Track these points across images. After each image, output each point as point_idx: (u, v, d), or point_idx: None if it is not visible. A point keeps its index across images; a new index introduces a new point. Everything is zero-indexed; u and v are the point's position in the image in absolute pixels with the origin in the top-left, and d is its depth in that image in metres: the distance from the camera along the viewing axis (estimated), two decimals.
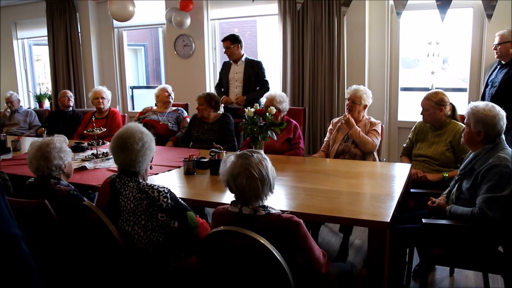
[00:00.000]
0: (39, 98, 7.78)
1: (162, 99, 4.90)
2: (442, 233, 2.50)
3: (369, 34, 5.23)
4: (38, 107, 7.66)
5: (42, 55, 8.61)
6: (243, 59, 4.88)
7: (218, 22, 6.35)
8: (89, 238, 2.17)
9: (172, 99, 4.97)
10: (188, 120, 4.66)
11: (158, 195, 2.07)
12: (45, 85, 8.62)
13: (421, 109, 3.41)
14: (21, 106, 6.23)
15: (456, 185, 2.64)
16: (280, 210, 1.95)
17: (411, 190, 3.06)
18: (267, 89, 4.78)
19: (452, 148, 3.28)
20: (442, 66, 6.26)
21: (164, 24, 6.37)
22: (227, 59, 4.98)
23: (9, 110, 6.05)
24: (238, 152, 1.96)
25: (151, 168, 3.07)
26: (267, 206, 1.92)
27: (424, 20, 5.35)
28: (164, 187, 2.13)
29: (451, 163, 3.28)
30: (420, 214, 2.74)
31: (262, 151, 1.97)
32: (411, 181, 3.18)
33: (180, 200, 2.17)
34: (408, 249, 2.91)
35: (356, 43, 5.23)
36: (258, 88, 4.85)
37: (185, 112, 4.98)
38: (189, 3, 5.87)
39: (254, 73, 4.82)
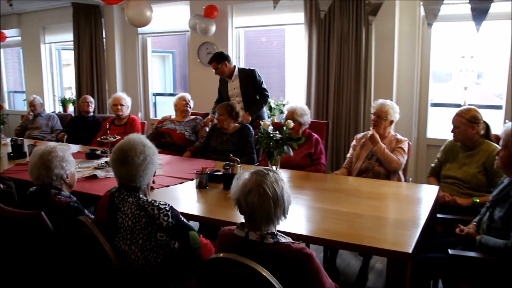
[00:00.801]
0: (64, 103, 7.83)
1: (180, 107, 4.80)
2: (471, 266, 2.26)
3: (399, 46, 5.00)
4: (62, 111, 7.70)
5: (71, 60, 8.70)
6: (236, 72, 4.74)
7: (243, 30, 6.24)
8: (83, 255, 2.04)
9: (190, 108, 4.86)
10: (207, 129, 4.54)
11: (158, 213, 1.92)
12: (72, 89, 8.68)
13: (452, 126, 3.18)
14: (44, 110, 6.26)
15: (488, 213, 2.40)
16: (291, 240, 1.76)
17: (438, 215, 2.82)
18: (266, 96, 4.72)
19: (485, 171, 3.02)
20: (476, 81, 5.96)
21: (188, 31, 6.29)
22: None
23: (32, 113, 6.09)
24: (252, 170, 1.79)
25: (154, 182, 2.96)
26: (277, 234, 1.74)
27: (458, 33, 5.09)
28: (166, 204, 1.97)
29: (483, 187, 3.02)
30: (447, 242, 2.51)
31: (279, 172, 1.79)
32: (438, 205, 2.94)
33: (182, 218, 2.01)
34: (432, 281, 2.67)
35: (384, 54, 5.00)
36: (257, 97, 4.73)
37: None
38: (214, 10, 5.80)
39: (251, 83, 4.69)
